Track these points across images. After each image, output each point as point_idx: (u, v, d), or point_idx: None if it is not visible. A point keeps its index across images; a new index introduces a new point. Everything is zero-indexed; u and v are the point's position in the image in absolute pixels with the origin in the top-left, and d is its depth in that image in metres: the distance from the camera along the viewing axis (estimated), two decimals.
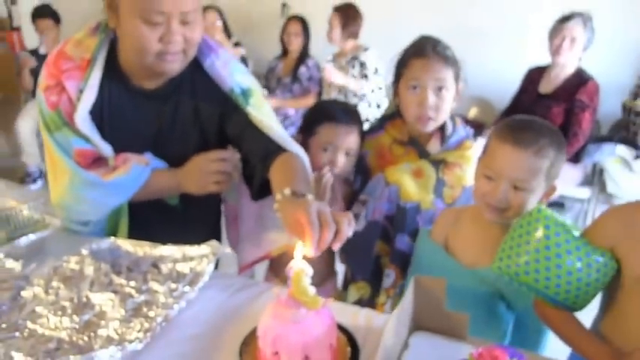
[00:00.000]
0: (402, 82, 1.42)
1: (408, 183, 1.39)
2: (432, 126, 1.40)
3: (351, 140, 1.46)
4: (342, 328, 0.97)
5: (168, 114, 1.32)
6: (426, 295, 0.93)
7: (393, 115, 1.51)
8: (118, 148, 1.29)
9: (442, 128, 1.44)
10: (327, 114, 1.48)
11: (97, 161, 1.29)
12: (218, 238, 1.53)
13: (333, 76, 3.30)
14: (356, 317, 1.04)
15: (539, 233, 1.04)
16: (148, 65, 1.21)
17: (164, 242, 1.19)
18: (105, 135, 1.28)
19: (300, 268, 0.87)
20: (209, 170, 1.27)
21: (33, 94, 4.28)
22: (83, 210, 1.33)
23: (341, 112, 1.48)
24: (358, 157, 1.53)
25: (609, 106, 3.10)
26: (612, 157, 2.93)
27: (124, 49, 1.26)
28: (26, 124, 4.06)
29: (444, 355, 0.86)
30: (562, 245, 1.03)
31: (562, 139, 1.15)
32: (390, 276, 1.41)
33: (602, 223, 1.09)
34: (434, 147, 1.45)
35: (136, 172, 1.27)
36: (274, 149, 1.24)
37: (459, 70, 1.39)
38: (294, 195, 0.99)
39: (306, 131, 1.50)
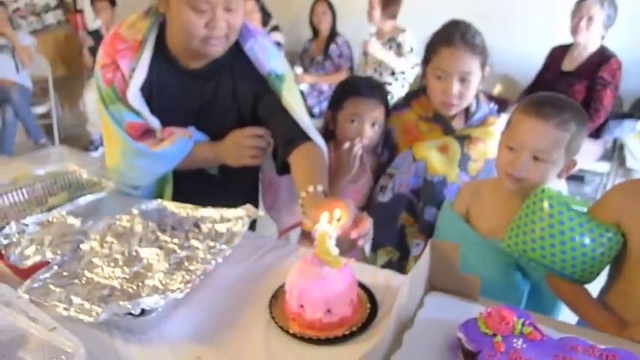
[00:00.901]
0: (430, 67, 1.38)
1: (435, 158, 1.37)
2: (455, 110, 1.38)
3: (376, 112, 1.45)
4: (362, 286, 0.98)
5: (209, 91, 1.33)
6: (441, 259, 0.92)
7: (418, 92, 1.48)
8: (165, 122, 1.33)
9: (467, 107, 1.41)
10: (352, 89, 1.47)
11: (146, 133, 1.33)
12: (255, 204, 1.55)
13: (376, 49, 3.26)
14: (376, 277, 1.05)
15: (544, 212, 1.02)
16: (194, 48, 1.22)
17: (204, 206, 1.21)
18: (153, 110, 1.31)
19: (325, 230, 0.88)
20: (244, 145, 1.30)
21: (93, 70, 4.37)
22: (134, 176, 1.37)
23: (365, 86, 1.47)
24: (385, 133, 1.51)
25: (632, 82, 2.95)
26: (633, 132, 2.81)
27: (172, 32, 1.27)
28: (92, 95, 4.17)
29: (456, 313, 0.86)
30: (565, 222, 1.00)
31: (584, 115, 1.11)
32: (419, 245, 1.41)
33: (607, 199, 1.06)
34: (458, 123, 1.42)
35: (181, 144, 1.31)
36: (298, 135, 1.25)
37: (486, 57, 1.34)
38: (317, 192, 1.06)
39: (335, 106, 1.50)
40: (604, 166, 2.94)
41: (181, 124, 1.34)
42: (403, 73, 3.31)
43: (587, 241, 1.00)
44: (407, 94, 1.55)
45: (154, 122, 1.31)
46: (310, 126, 1.28)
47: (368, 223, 0.97)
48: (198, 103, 1.34)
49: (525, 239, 1.05)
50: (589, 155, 2.78)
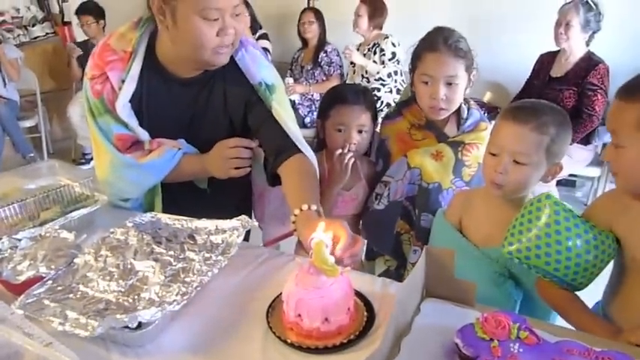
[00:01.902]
0: (416, 74, 1.41)
1: (429, 165, 1.39)
2: (444, 114, 1.40)
3: (362, 118, 1.47)
4: (359, 294, 0.99)
5: (201, 101, 1.33)
6: (436, 265, 0.93)
7: (409, 101, 1.50)
8: (156, 132, 1.33)
9: (458, 111, 1.43)
10: (337, 97, 1.50)
11: (134, 145, 1.33)
12: (248, 216, 1.55)
13: (354, 55, 3.39)
14: (372, 285, 1.05)
15: (544, 215, 1.03)
16: (204, 59, 1.22)
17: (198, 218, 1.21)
18: (144, 121, 1.31)
19: (321, 239, 0.89)
20: (228, 156, 1.29)
21: (81, 81, 4.36)
22: (123, 188, 1.38)
23: (350, 93, 1.49)
24: (379, 142, 1.52)
25: None
26: None
27: (164, 42, 1.27)
28: (76, 110, 4.16)
29: (453, 319, 0.86)
30: (562, 223, 1.02)
31: (565, 120, 1.13)
32: (416, 252, 1.42)
33: (598, 206, 1.08)
34: (451, 130, 1.44)
35: (169, 156, 1.31)
36: (288, 147, 1.26)
37: (471, 60, 1.36)
38: (311, 212, 1.06)
39: (323, 115, 1.52)
40: (595, 171, 2.98)
41: (172, 135, 1.34)
42: (390, 76, 3.35)
43: (581, 242, 1.01)
44: (398, 104, 1.57)
45: (143, 134, 1.31)
46: (300, 138, 1.29)
47: (360, 245, 0.98)
48: (189, 112, 1.34)
49: (521, 239, 1.05)
50: (580, 161, 2.81)
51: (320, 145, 1.56)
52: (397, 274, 1.48)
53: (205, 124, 1.35)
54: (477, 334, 0.80)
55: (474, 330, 0.81)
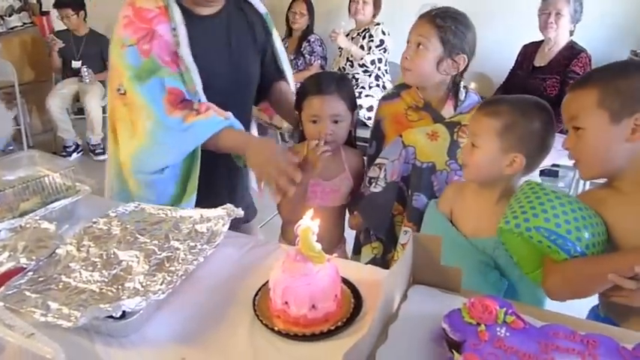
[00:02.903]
0: None
1: (424, 144, 1.38)
2: (408, 77, 1.41)
3: (335, 107, 1.41)
4: (346, 281, 0.99)
5: (231, 32, 1.47)
6: (423, 252, 0.94)
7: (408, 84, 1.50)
8: (206, 77, 1.38)
9: (456, 94, 1.43)
10: (308, 88, 1.45)
11: (183, 102, 1.35)
12: None
13: (340, 38, 3.38)
14: (360, 272, 1.05)
15: (531, 192, 1.04)
16: None
17: (226, 196, 1.41)
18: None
19: (308, 226, 0.88)
20: (277, 166, 1.24)
21: (62, 73, 4.29)
22: (161, 155, 1.37)
23: (322, 83, 1.43)
24: (374, 124, 1.52)
25: None
26: None
27: None
28: (56, 101, 4.08)
29: (440, 305, 0.87)
30: (547, 189, 1.03)
31: (529, 112, 1.12)
32: (407, 233, 1.41)
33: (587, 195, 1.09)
34: (448, 112, 1.43)
35: (214, 121, 1.34)
36: (278, 73, 1.60)
37: (449, 35, 1.33)
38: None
39: (297, 107, 1.49)
40: None
41: (220, 73, 1.44)
42: (374, 63, 3.35)
43: (572, 202, 1.01)
44: (397, 86, 1.55)
45: (197, 81, 1.36)
46: (287, 64, 1.61)
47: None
48: (225, 46, 1.46)
49: (526, 209, 1.02)
50: (562, 150, 2.83)
51: (300, 136, 1.54)
52: (383, 260, 1.48)
53: (242, 55, 1.49)
54: (464, 319, 0.80)
55: (461, 315, 0.81)
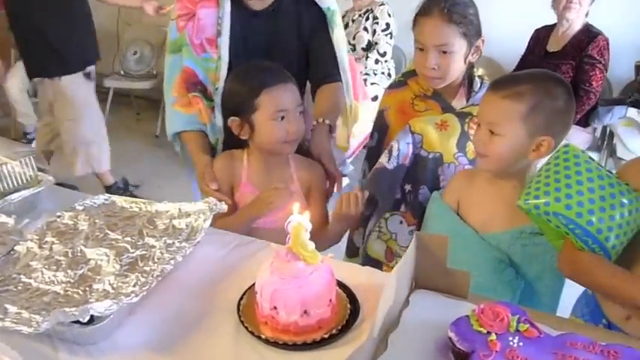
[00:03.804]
0: (415, 42, 1.41)
1: (432, 133, 1.38)
2: (438, 84, 1.40)
3: (297, 98, 1.36)
4: (342, 285, 0.98)
5: (277, 28, 1.57)
6: (427, 253, 0.93)
7: (415, 71, 1.49)
8: (237, 63, 1.53)
9: (470, 84, 1.43)
10: (260, 82, 1.32)
11: (191, 85, 1.56)
12: None
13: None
14: (356, 274, 1.05)
15: (562, 162, 1.03)
16: None
17: None
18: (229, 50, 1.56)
19: (299, 222, 0.87)
20: (201, 190, 1.42)
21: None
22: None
23: (274, 73, 1.35)
24: (377, 114, 1.51)
25: (621, 67, 3.05)
26: (623, 119, 2.90)
27: None
28: (15, 83, 4.02)
29: (445, 312, 0.87)
30: (593, 171, 1.01)
31: (551, 90, 1.12)
32: (412, 232, 1.41)
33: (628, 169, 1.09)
34: (459, 103, 1.43)
35: (188, 120, 1.56)
36: (335, 73, 1.62)
37: (471, 27, 1.35)
38: (324, 124, 1.49)
39: (243, 112, 1.34)
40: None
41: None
42: (377, 44, 3.35)
43: (614, 191, 1.00)
44: (404, 73, 1.56)
45: (223, 73, 1.54)
46: (345, 65, 1.64)
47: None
48: (266, 39, 1.57)
49: (548, 190, 1.02)
50: (577, 144, 2.86)
51: (232, 145, 1.46)
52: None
53: (280, 49, 1.58)
54: (472, 328, 0.81)
55: (470, 323, 0.81)
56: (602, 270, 1.01)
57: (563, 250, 1.08)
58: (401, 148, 1.40)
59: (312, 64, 1.64)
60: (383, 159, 1.44)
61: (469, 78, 1.42)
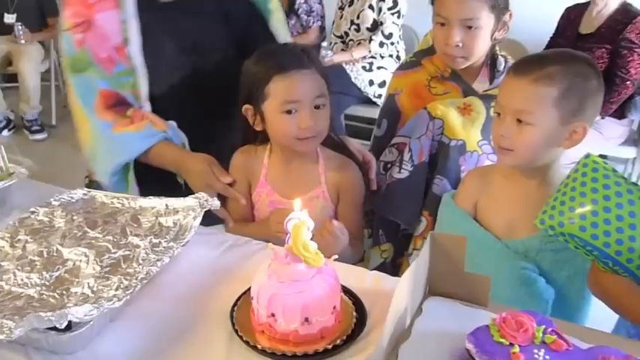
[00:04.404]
0: (433, 15, 1.41)
1: (454, 118, 1.38)
2: (461, 64, 1.40)
3: (316, 88, 1.27)
4: (347, 291, 0.99)
5: (200, 24, 1.46)
6: (443, 255, 0.93)
7: (430, 50, 1.48)
8: (157, 72, 1.42)
9: (493, 64, 1.42)
10: (273, 66, 1.27)
11: (117, 106, 1.41)
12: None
13: (335, 58, 3.38)
14: (364, 279, 1.05)
15: (589, 180, 1.03)
16: None
17: None
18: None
19: (301, 220, 0.88)
20: (213, 188, 1.35)
21: None
22: (104, 158, 1.43)
23: (290, 57, 1.29)
24: (386, 99, 1.50)
25: None
26: None
27: None
28: None
29: (462, 321, 0.87)
30: (623, 195, 1.00)
31: (585, 70, 1.13)
32: (422, 222, 1.41)
33: None
34: (482, 85, 1.43)
35: (147, 134, 1.39)
36: None
37: (497, 1, 1.35)
38: None
39: (254, 99, 1.30)
40: (629, 152, 3.02)
41: (177, 69, 1.45)
42: (390, 37, 3.34)
43: (635, 210, 1.00)
44: (416, 53, 1.55)
45: (143, 86, 1.40)
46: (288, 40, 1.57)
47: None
48: (188, 37, 1.45)
49: (572, 216, 1.03)
50: (612, 138, 2.85)
51: (250, 138, 1.40)
52: (393, 265, 1.48)
53: (211, 50, 1.48)
54: (492, 339, 0.81)
55: (490, 333, 0.81)
56: (626, 294, 1.02)
57: (591, 270, 1.09)
58: (413, 147, 1.39)
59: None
60: (393, 171, 1.43)
61: (492, 57, 1.42)
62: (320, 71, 1.29)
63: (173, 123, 1.44)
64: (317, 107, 1.27)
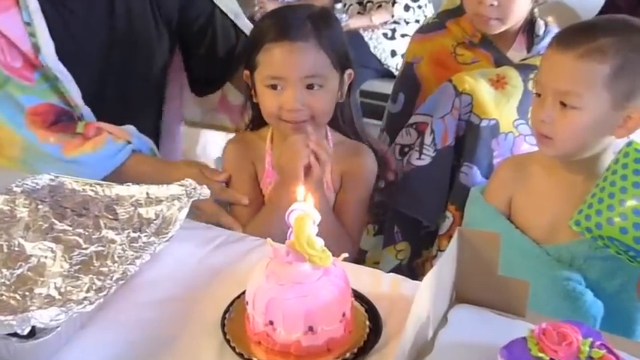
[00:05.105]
0: None
1: (485, 93, 1.37)
2: (496, 27, 1.39)
3: (310, 63, 1.27)
4: (359, 296, 0.99)
5: (118, 17, 1.40)
6: (473, 255, 0.93)
7: (457, 10, 1.48)
8: (84, 73, 1.38)
9: (531, 28, 1.41)
10: (267, 30, 1.30)
11: (60, 122, 1.37)
12: None
13: (351, 23, 3.35)
14: (378, 282, 1.06)
15: (631, 172, 1.03)
16: None
17: None
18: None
19: (305, 212, 0.88)
20: (210, 204, 1.35)
21: None
22: None
23: (288, 23, 1.30)
24: (404, 68, 1.49)
25: None
26: None
27: None
28: None
29: (495, 333, 0.87)
30: None
31: None
32: (448, 218, 1.41)
33: None
34: (517, 53, 1.42)
35: (111, 151, 1.38)
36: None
37: None
38: None
39: (250, 65, 1.36)
40: None
41: (90, 75, 1.40)
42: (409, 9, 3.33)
43: None
44: (439, 13, 1.54)
45: (73, 90, 1.36)
46: (247, 23, 1.57)
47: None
48: (105, 37, 1.40)
49: (611, 216, 1.03)
50: None
51: (256, 115, 1.44)
52: (410, 268, 1.48)
53: (134, 48, 1.42)
54: (530, 353, 0.80)
55: (527, 347, 0.81)
56: None
57: None
58: (436, 128, 1.38)
59: (207, 45, 1.57)
60: (412, 157, 1.42)
61: (530, 20, 1.41)
62: (324, 44, 1.29)
63: (132, 128, 1.45)
64: (310, 87, 1.27)
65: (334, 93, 1.32)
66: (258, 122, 1.42)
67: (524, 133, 1.36)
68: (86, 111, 1.41)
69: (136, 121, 1.50)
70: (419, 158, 1.40)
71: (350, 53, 1.36)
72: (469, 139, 1.38)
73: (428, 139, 1.39)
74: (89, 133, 1.38)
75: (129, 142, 1.42)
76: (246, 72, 1.36)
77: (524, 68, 1.37)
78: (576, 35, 1.13)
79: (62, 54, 1.36)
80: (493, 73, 1.37)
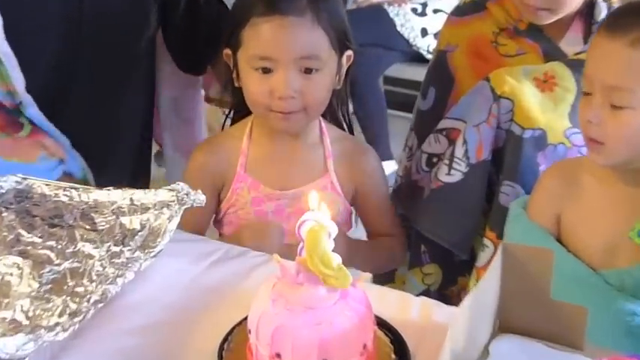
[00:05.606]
0: None
1: (530, 97, 1.35)
2: (546, 18, 1.37)
3: (305, 44, 1.26)
4: (383, 324, 0.98)
5: None
6: (520, 275, 0.93)
7: None
8: (31, 65, 1.40)
9: (590, 12, 1.39)
10: (255, 2, 1.28)
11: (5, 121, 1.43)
12: None
13: None
14: (406, 307, 1.06)
15: None
16: None
17: None
18: None
19: (320, 223, 0.86)
20: None
21: None
22: None
23: None
24: (436, 57, 1.48)
25: None
26: None
27: None
28: None
29: None
30: None
31: None
32: (487, 248, 1.39)
33: None
34: (572, 43, 1.40)
35: (44, 167, 1.44)
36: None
37: None
38: None
39: (232, 43, 1.35)
40: None
41: (53, 62, 1.45)
42: None
43: None
44: None
45: (16, 75, 1.38)
46: None
47: None
48: (71, 11, 1.44)
49: None
50: None
51: (238, 104, 1.44)
52: (441, 296, 1.47)
53: (107, 27, 1.47)
54: None
55: None
56: None
57: None
58: (469, 138, 1.36)
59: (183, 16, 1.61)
60: (441, 171, 1.40)
61: (590, 2, 1.38)
62: (327, 21, 1.27)
63: (67, 143, 1.49)
64: (307, 71, 1.26)
65: (332, 78, 1.31)
66: (240, 111, 1.42)
67: (578, 144, 1.32)
68: (27, 99, 1.42)
69: (124, 98, 1.57)
70: (448, 174, 1.38)
71: (349, 31, 1.34)
72: (510, 152, 1.35)
73: (459, 151, 1.36)
74: (25, 143, 1.43)
75: (61, 161, 1.49)
76: (227, 51, 1.34)
77: (578, 65, 1.33)
78: (629, 17, 1.11)
79: (14, 30, 1.38)
80: (540, 70, 1.35)
